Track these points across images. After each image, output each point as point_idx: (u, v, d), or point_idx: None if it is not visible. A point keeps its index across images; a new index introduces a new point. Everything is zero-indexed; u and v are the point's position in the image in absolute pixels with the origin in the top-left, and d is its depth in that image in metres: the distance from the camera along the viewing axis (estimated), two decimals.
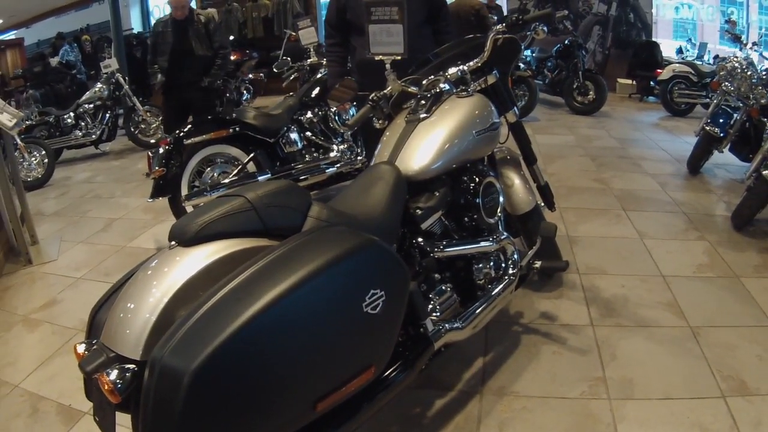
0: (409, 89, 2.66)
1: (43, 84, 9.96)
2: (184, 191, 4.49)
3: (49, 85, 9.80)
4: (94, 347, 1.56)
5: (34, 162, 7.42)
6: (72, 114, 8.15)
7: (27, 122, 7.80)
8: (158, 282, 1.58)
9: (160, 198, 4.53)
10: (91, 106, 8.12)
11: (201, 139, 4.50)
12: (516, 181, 3.12)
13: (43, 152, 7.46)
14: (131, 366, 1.48)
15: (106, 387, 1.44)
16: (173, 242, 1.70)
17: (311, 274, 1.52)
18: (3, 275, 4.74)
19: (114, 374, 1.46)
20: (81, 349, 1.60)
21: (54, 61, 11.67)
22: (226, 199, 1.78)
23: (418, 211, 2.38)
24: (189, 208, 4.38)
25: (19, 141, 7.06)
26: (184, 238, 1.66)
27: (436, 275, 2.45)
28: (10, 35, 16.93)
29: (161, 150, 4.44)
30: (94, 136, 8.17)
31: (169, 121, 6.21)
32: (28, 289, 4.40)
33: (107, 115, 8.28)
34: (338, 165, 4.90)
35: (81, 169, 8.10)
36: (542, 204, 3.33)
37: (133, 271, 1.75)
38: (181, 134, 4.46)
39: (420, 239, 2.38)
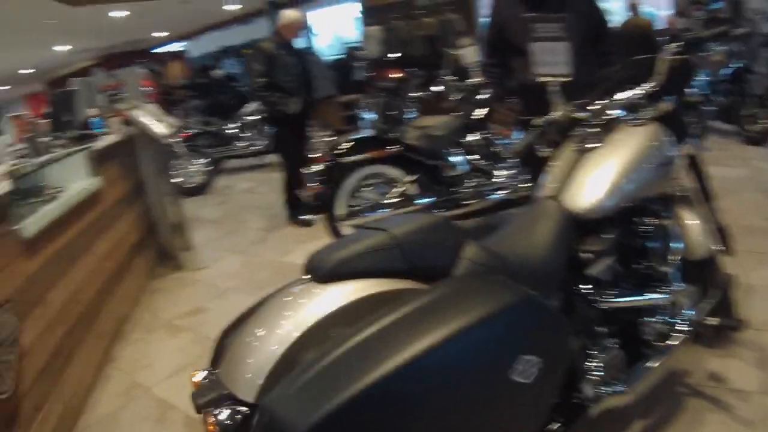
0: (577, 115, 2.43)
1: (207, 95, 10.32)
2: (341, 211, 4.29)
3: (212, 96, 10.13)
4: (211, 378, 1.49)
5: (196, 170, 7.70)
6: (235, 125, 8.36)
7: (190, 131, 8.10)
8: (285, 319, 1.48)
9: (315, 216, 4.36)
10: (254, 118, 8.26)
11: (361, 158, 4.29)
12: (692, 221, 2.67)
13: (205, 161, 7.66)
14: (243, 409, 1.37)
15: (210, 428, 1.35)
16: (308, 276, 1.58)
17: (455, 332, 1.32)
18: (156, 277, 4.77)
19: (223, 415, 1.37)
20: (198, 378, 1.52)
21: (217, 73, 12.16)
22: (369, 232, 1.63)
23: (584, 254, 2.10)
24: (345, 229, 4.20)
25: (181, 149, 7.32)
26: (320, 273, 1.54)
27: (599, 329, 2.13)
28: (175, 47, 18.12)
29: (318, 167, 4.29)
30: (256, 148, 8.31)
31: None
32: (176, 295, 4.38)
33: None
34: (502, 192, 4.54)
35: (243, 179, 8.31)
36: (719, 248, 2.85)
37: (266, 299, 1.66)
38: (339, 152, 4.28)
39: (585, 287, 2.10)
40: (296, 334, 1.41)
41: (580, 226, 2.09)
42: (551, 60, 2.70)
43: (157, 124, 4.59)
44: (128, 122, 4.62)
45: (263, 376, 1.37)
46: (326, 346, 1.30)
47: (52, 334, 2.92)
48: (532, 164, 3.51)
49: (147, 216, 4.95)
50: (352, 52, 10.72)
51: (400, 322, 1.32)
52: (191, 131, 8.44)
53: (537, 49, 2.74)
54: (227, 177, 8.46)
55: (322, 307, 1.46)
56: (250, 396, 1.36)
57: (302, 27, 5.62)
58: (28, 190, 3.42)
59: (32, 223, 2.93)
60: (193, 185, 7.70)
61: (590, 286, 2.09)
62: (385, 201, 4.30)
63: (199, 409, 1.41)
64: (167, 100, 11.95)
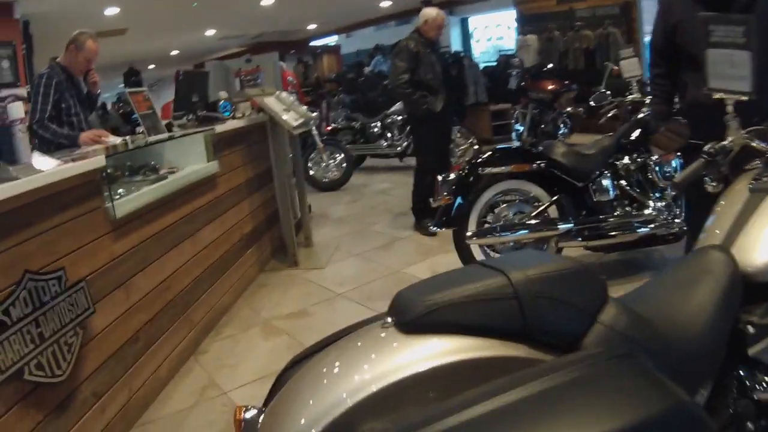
0: (756, 145, 2.02)
1: (354, 90, 10.26)
2: (472, 227, 3.89)
3: (360, 92, 10.05)
4: (259, 420, 1.23)
5: (333, 164, 7.61)
6: (379, 123, 8.21)
7: (333, 125, 8.02)
8: (351, 371, 1.15)
9: (444, 229, 3.98)
10: (400, 118, 8.04)
11: (500, 170, 3.87)
12: None
13: (342, 156, 7.59)
14: None
15: None
16: (391, 319, 1.22)
17: None
18: (265, 271, 4.61)
19: None
20: (247, 415, 1.26)
21: (368, 70, 12.12)
22: (481, 272, 1.26)
23: (750, 327, 1.63)
24: (474, 248, 3.80)
25: (319, 142, 7.26)
26: (405, 318, 1.19)
27: (750, 425, 1.63)
28: (329, 41, 18.44)
29: (452, 176, 3.91)
30: (398, 149, 8.09)
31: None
32: (283, 293, 4.16)
33: None
34: (652, 225, 3.95)
35: (379, 179, 8.11)
36: None
37: (339, 336, 1.35)
38: (478, 162, 3.88)
39: (742, 371, 1.63)
40: (363, 392, 1.10)
41: (750, 290, 1.62)
42: (729, 72, 2.17)
43: (288, 114, 4.43)
44: (260, 109, 4.50)
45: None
46: (411, 419, 0.97)
47: (131, 320, 2.76)
48: (695, 200, 3.10)
49: (269, 206, 4.81)
50: (506, 60, 10.25)
51: (509, 411, 0.97)
52: (334, 125, 8.40)
53: (712, 58, 2.22)
54: (364, 175, 8.29)
55: (408, 364, 1.13)
56: None
57: (442, 25, 5.32)
58: (137, 168, 3.34)
59: (128, 202, 2.80)
60: (328, 180, 7.61)
61: (747, 370, 1.62)
62: (522, 221, 3.86)
63: None
64: (315, 93, 12.12)
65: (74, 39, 3.84)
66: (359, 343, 1.25)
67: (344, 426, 1.08)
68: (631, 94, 4.87)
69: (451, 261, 3.76)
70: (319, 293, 4.10)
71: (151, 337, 2.94)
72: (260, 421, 1.24)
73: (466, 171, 3.88)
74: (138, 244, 2.88)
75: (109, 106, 11.97)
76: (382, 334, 1.22)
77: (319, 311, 3.80)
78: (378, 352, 1.18)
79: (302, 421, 1.11)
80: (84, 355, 2.40)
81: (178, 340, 3.20)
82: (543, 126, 7.96)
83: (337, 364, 1.22)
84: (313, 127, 5.31)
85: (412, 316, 1.18)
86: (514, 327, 1.18)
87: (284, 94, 4.88)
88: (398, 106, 7.98)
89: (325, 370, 1.22)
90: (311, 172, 7.58)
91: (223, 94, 4.37)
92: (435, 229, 4.02)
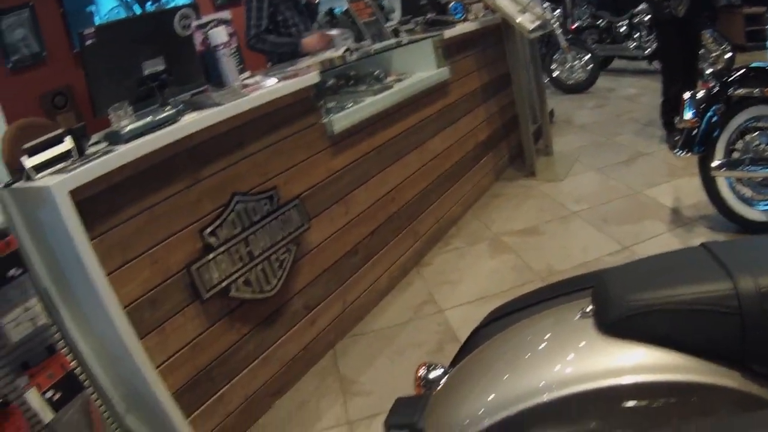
0: None
1: None
2: (719, 155, 3.27)
3: None
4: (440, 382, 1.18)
5: (578, 65, 7.07)
6: (626, 22, 7.34)
7: (577, 24, 7.34)
8: (540, 365, 1.02)
9: (688, 154, 3.42)
10: (648, 18, 7.08)
11: (754, 93, 3.16)
12: None
13: (588, 57, 6.99)
14: None
15: None
16: (590, 308, 1.05)
17: None
18: (501, 180, 4.44)
19: None
20: (430, 375, 1.24)
21: None
22: (702, 269, 1.00)
23: None
24: (721, 181, 3.22)
25: (563, 41, 6.70)
26: (606, 317, 1.00)
27: None
28: None
29: (700, 94, 3.28)
30: (647, 51, 7.19)
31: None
32: (516, 206, 3.98)
33: None
34: None
35: (627, 84, 7.34)
36: None
37: (542, 295, 1.25)
38: (729, 80, 3.20)
39: None
40: (562, 392, 0.97)
41: None
42: None
43: (523, 15, 4.05)
44: (493, 10, 4.18)
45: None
46: None
47: (349, 234, 2.81)
48: None
49: (507, 112, 4.56)
50: None
51: None
52: (579, 23, 7.72)
53: None
54: (610, 78, 7.53)
55: (604, 373, 0.97)
56: None
57: None
58: (362, 77, 3.30)
59: (347, 116, 2.79)
60: (573, 82, 7.12)
61: None
62: None
63: (386, 429, 1.14)
64: None
65: None
66: (556, 330, 1.12)
67: (517, 427, 0.99)
68: None
69: (698, 188, 3.25)
70: (553, 209, 3.84)
71: (372, 250, 2.98)
72: (440, 383, 1.18)
73: (716, 90, 3.24)
74: (358, 158, 2.89)
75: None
76: (580, 326, 1.06)
77: (551, 230, 3.56)
78: (573, 350, 1.04)
79: (478, 410, 1.03)
80: (297, 270, 2.49)
81: (400, 252, 3.22)
82: None
83: (528, 350, 1.10)
84: (556, 25, 4.81)
85: (614, 317, 1.00)
86: (728, 348, 0.95)
87: None
88: (645, 4, 7.07)
89: (513, 353, 1.11)
90: (555, 73, 7.14)
91: None
92: (680, 153, 3.47)
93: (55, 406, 1.90)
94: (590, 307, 1.06)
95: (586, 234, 3.36)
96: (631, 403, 0.96)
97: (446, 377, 1.20)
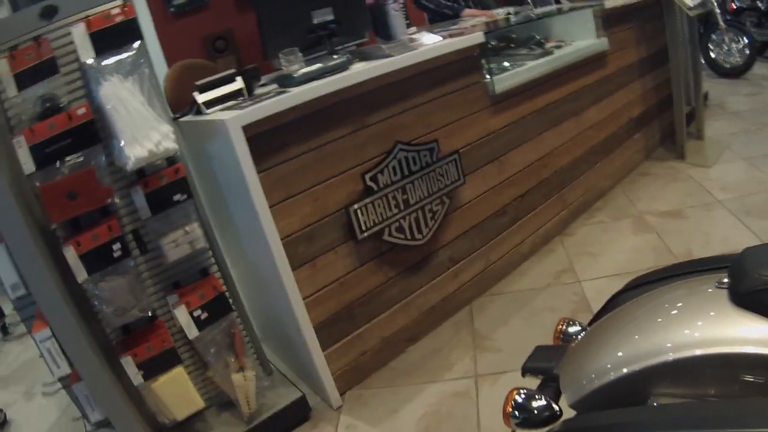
0: None
1: None
2: None
3: None
4: (578, 337, 1.28)
5: (735, 49, 6.59)
6: None
7: (737, 4, 6.86)
8: (671, 326, 1.07)
9: None
10: None
11: None
12: None
13: (746, 41, 6.50)
14: (555, 408, 1.11)
15: (507, 408, 1.13)
16: (726, 281, 1.06)
17: None
18: (650, 159, 4.31)
19: (522, 399, 1.13)
20: (570, 329, 1.33)
21: None
22: None
23: None
24: None
25: (721, 22, 6.31)
26: (738, 288, 1.01)
27: None
28: None
29: None
30: None
31: None
32: (662, 186, 3.86)
33: None
34: None
35: None
36: None
37: (682, 269, 1.28)
38: None
39: None
40: (687, 353, 1.00)
41: None
42: None
43: None
44: None
45: (595, 388, 1.08)
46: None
47: (500, 194, 2.86)
48: None
49: (662, 90, 4.39)
50: None
51: None
52: (738, 4, 7.19)
53: None
54: None
55: (733, 340, 0.99)
56: (570, 399, 1.10)
57: None
58: (523, 41, 3.30)
59: (509, 77, 2.82)
60: (729, 65, 6.66)
61: None
62: None
63: (523, 371, 1.26)
64: None
65: None
66: (689, 298, 1.15)
67: (641, 383, 1.05)
68: None
69: None
70: (698, 194, 3.69)
71: (520, 212, 3.02)
72: (577, 339, 1.27)
73: None
74: (516, 120, 2.91)
75: None
76: (713, 296, 1.08)
77: (694, 215, 3.43)
78: (702, 317, 1.07)
79: (607, 364, 1.09)
80: (447, 223, 2.57)
81: (547, 218, 3.23)
82: None
83: (659, 314, 1.14)
84: (716, 5, 4.55)
85: (746, 289, 1.01)
86: None
87: None
88: None
89: (645, 316, 1.15)
90: (712, 55, 6.71)
91: None
92: None
93: (202, 325, 2.04)
94: (726, 280, 1.07)
95: (728, 224, 3.22)
96: (750, 374, 0.97)
97: (583, 333, 1.28)
